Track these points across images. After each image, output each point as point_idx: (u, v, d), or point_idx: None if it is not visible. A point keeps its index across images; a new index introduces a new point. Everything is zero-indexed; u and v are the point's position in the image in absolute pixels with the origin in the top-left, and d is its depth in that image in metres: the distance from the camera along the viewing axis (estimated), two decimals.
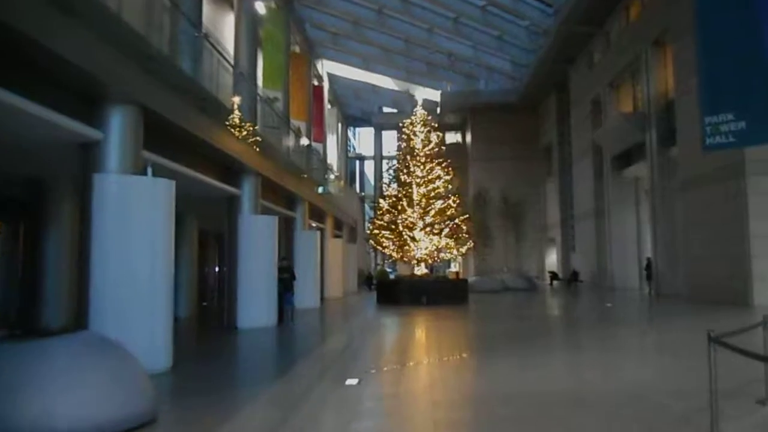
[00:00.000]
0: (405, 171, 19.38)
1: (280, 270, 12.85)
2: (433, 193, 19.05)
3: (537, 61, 32.82)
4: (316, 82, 33.78)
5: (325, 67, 35.31)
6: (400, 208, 18.88)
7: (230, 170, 11.39)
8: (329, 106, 39.12)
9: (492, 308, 17.64)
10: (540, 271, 38.47)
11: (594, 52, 29.93)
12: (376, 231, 19.27)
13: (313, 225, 20.01)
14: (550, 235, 39.30)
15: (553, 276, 33.41)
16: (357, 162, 49.18)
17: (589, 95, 30.15)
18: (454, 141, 46.07)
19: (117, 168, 7.86)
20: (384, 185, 20.00)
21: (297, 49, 29.01)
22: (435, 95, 39.81)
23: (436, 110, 38.06)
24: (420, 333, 11.78)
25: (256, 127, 14.48)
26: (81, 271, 7.75)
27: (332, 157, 39.55)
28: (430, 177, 19.12)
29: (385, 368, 7.57)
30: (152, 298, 7.77)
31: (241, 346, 10.23)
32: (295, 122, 27.99)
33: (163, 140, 8.64)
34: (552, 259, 38.85)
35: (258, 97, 19.26)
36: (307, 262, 16.67)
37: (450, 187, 19.40)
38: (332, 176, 35.37)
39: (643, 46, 23.10)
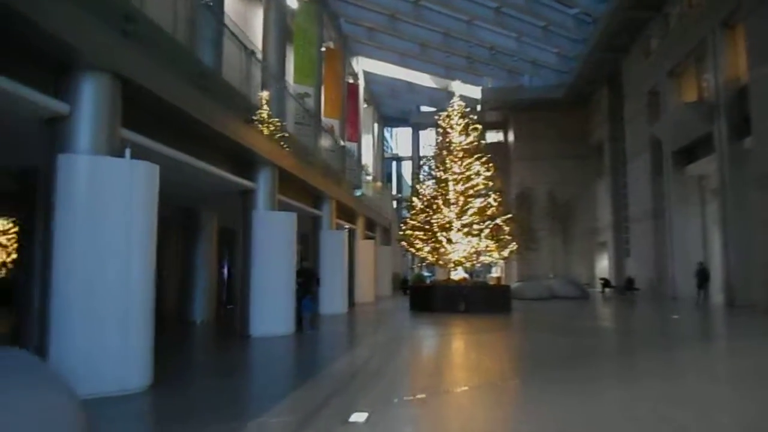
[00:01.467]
0: (441, 167, 17.72)
1: (299, 273, 11.47)
2: (471, 191, 17.29)
3: (586, 51, 30.53)
4: (351, 80, 32.60)
5: (361, 64, 34.06)
6: (435, 207, 17.20)
7: (244, 161, 10.09)
8: (365, 105, 37.87)
9: (539, 318, 15.73)
10: (590, 278, 35.87)
11: (651, 39, 27.44)
12: (409, 231, 17.64)
13: (344, 226, 18.60)
14: (600, 239, 36.65)
15: (605, 283, 30.87)
16: (393, 163, 47.66)
17: (646, 86, 27.68)
18: (496, 140, 43.96)
19: (87, 148, 6.60)
20: (418, 183, 18.34)
21: (331, 44, 27.88)
22: (475, 92, 37.91)
23: (476, 108, 36.13)
24: (454, 348, 10.09)
25: (275, 119, 13.23)
26: (43, 269, 6.40)
27: (367, 158, 38.23)
28: (468, 173, 17.38)
29: (408, 397, 5.98)
30: (126, 303, 6.46)
31: (244, 358, 8.87)
32: (328, 120, 26.92)
33: (156, 122, 7.38)
34: (603, 265, 36.20)
35: (286, 91, 18.09)
36: (334, 265, 15.27)
37: (490, 184, 17.60)
38: (367, 177, 34.10)
39: (709, 27, 20.67)
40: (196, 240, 13.02)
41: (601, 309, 20.63)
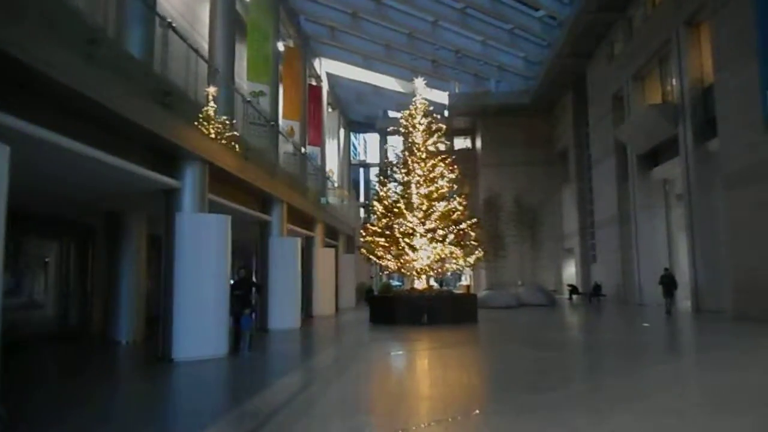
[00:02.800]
0: (403, 169, 16.75)
1: (236, 284, 10.25)
2: (435, 194, 16.35)
3: (552, 56, 30.21)
4: (314, 82, 31.50)
5: (324, 66, 33.00)
6: (397, 211, 16.18)
7: (165, 155, 8.84)
8: (329, 110, 36.79)
9: (506, 329, 14.82)
10: (557, 284, 35.46)
11: (615, 43, 27.25)
12: (369, 238, 16.54)
13: (299, 232, 17.40)
14: (567, 245, 36.32)
15: (573, 290, 30.43)
16: (361, 169, 46.59)
17: (610, 90, 27.43)
18: (464, 147, 43.46)
19: None
20: (378, 186, 17.30)
21: (290, 43, 26.76)
22: (442, 97, 37.27)
23: (443, 113, 35.42)
24: (409, 370, 8.96)
25: (223, 118, 12.06)
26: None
27: (332, 164, 37.09)
28: (432, 175, 16.45)
29: None
30: None
31: (145, 391, 7.40)
32: (287, 122, 25.73)
33: (31, 97, 6.06)
34: (570, 272, 35.86)
35: (233, 88, 16.85)
36: (285, 275, 14.05)
37: (455, 187, 16.71)
38: (331, 183, 32.98)
39: (673, 27, 20.39)
40: (120, 249, 11.63)
41: (569, 318, 19.94)
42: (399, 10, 27.70)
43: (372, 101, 40.89)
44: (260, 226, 14.25)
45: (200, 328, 9.03)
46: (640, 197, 24.74)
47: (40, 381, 7.92)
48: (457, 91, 38.20)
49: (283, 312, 13.97)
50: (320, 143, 31.06)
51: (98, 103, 6.34)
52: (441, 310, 15.39)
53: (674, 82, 21.16)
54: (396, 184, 16.90)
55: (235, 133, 13.01)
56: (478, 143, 40.94)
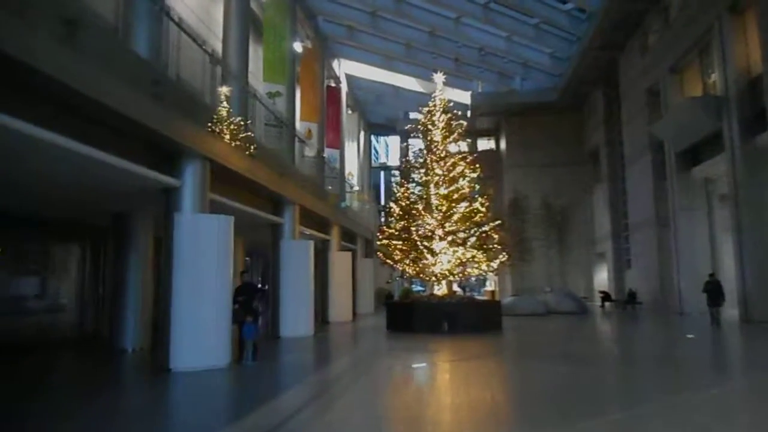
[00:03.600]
0: (422, 169, 15.72)
1: (239, 290, 9.40)
2: (456, 195, 15.26)
3: (580, 50, 28.80)
4: (333, 84, 30.80)
5: (343, 67, 32.25)
6: (415, 213, 15.15)
7: (163, 152, 8.08)
8: (349, 111, 36.05)
9: (534, 340, 13.55)
10: (588, 291, 33.80)
11: (649, 34, 25.73)
12: (386, 241, 15.55)
13: (310, 234, 16.53)
14: (599, 249, 34.64)
15: (605, 297, 28.84)
16: (382, 172, 45.66)
17: (644, 85, 25.91)
18: (487, 148, 42.17)
19: None
20: (396, 186, 16.29)
21: (308, 44, 26.08)
22: (465, 97, 36.11)
23: (466, 114, 34.26)
24: (422, 389, 7.77)
25: (237, 118, 11.32)
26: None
27: (352, 166, 36.31)
28: (452, 175, 15.37)
29: None
30: None
31: (125, 407, 6.57)
32: (304, 123, 25.05)
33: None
34: (602, 277, 34.15)
35: (246, 88, 16.15)
36: (297, 279, 13.17)
37: (477, 187, 15.61)
38: (351, 185, 32.21)
39: (715, 14, 18.92)
40: (126, 252, 10.92)
41: (603, 327, 18.55)
42: (419, 8, 26.73)
43: (392, 103, 39.99)
44: (272, 229, 13.41)
45: (200, 336, 8.23)
46: (680, 198, 23.13)
47: (24, 391, 7.21)
48: (480, 90, 36.98)
49: (295, 318, 13.09)
50: (339, 146, 30.30)
51: (79, 92, 5.55)
52: (462, 318, 14.29)
53: (717, 73, 19.66)
54: (414, 184, 15.86)
55: (250, 133, 12.31)
56: (503, 144, 39.64)
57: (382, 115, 42.01)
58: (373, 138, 46.17)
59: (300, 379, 8.49)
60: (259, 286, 10.99)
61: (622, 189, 31.01)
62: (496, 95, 36.40)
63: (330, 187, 26.38)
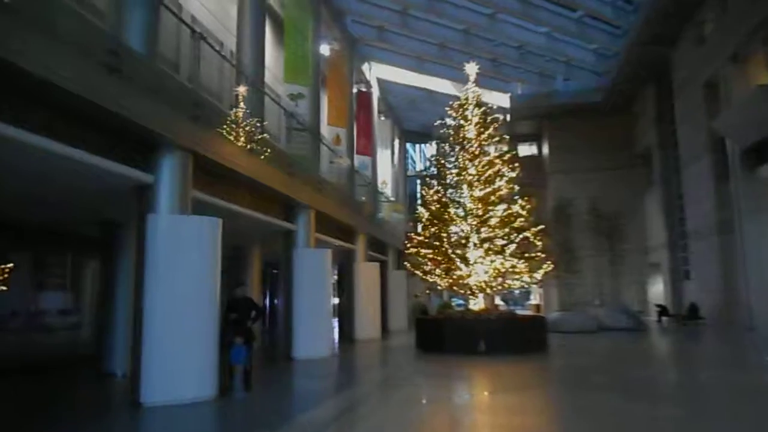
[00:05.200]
0: (453, 169, 14.17)
1: (232, 305, 8.07)
2: (492, 197, 13.61)
3: (628, 44, 26.67)
4: (363, 88, 29.66)
5: (374, 71, 31.09)
6: (447, 217, 13.58)
7: (135, 142, 6.86)
8: (382, 118, 34.86)
9: (591, 363, 11.49)
10: (642, 305, 31.13)
11: (704, 23, 23.46)
12: (414, 250, 14.01)
13: (335, 243, 15.17)
14: (652, 259, 31.98)
15: (662, 311, 26.31)
16: (418, 181, 44.13)
17: (701, 78, 23.60)
18: (529, 153, 40.06)
19: None
20: (424, 189, 14.77)
21: (336, 46, 25.04)
22: (504, 100, 34.29)
23: (505, 118, 32.44)
24: None
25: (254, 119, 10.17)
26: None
27: (386, 174, 34.98)
28: (487, 174, 13.74)
29: None
30: None
31: None
32: (333, 129, 23.99)
33: None
34: (656, 290, 31.46)
35: (258, 87, 15.08)
36: (312, 292, 11.79)
37: (516, 188, 13.92)
38: (383, 193, 30.90)
39: None
40: (116, 264, 9.78)
41: (666, 347, 16.35)
42: (453, 4, 25.32)
43: (427, 108, 38.47)
44: (284, 237, 12.12)
45: (179, 362, 6.87)
46: (746, 201, 20.69)
47: None
48: (519, 92, 35.10)
49: (310, 337, 11.70)
50: (371, 153, 29.07)
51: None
52: (502, 337, 12.56)
53: None
54: (445, 186, 14.26)
55: (265, 135, 11.17)
56: (545, 149, 37.50)
57: (417, 122, 40.60)
58: (408, 146, 44.80)
59: (290, 417, 6.89)
60: (261, 301, 9.49)
61: (678, 194, 28.51)
62: (536, 97, 34.43)
63: (364, 198, 25.15)
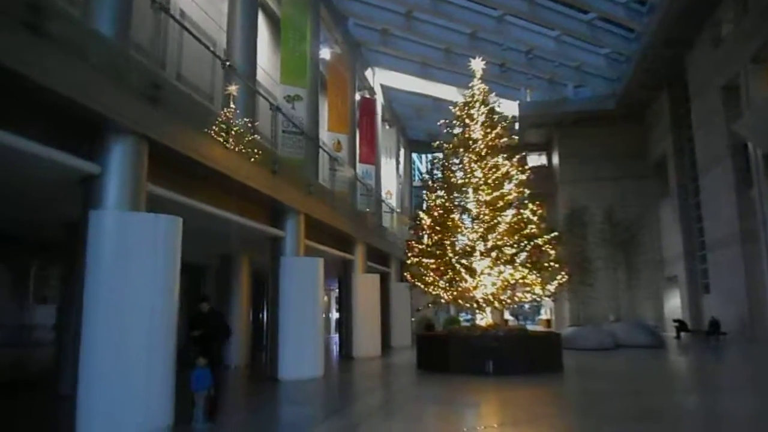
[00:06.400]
0: (458, 171, 13.07)
1: (195, 321, 6.97)
2: (500, 202, 12.47)
3: (642, 47, 25.64)
4: (367, 95, 28.74)
5: (378, 77, 30.17)
6: (450, 224, 12.44)
7: (75, 124, 5.80)
8: (386, 126, 33.87)
9: (614, 388, 10.06)
10: (657, 320, 29.66)
11: (722, 24, 22.40)
12: (415, 259, 12.86)
13: (330, 252, 14.07)
14: (669, 272, 30.59)
15: (680, 326, 24.91)
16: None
17: (719, 81, 22.50)
18: (538, 164, 38.90)
19: None
20: (426, 193, 13.67)
21: (337, 49, 24.17)
22: (512, 107, 33.20)
23: (514, 127, 31.36)
24: None
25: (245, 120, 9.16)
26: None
27: (391, 185, 33.90)
28: (494, 178, 12.62)
29: None
30: None
31: None
32: (333, 134, 23.01)
33: None
34: (673, 304, 30.02)
35: (246, 84, 14.11)
36: (301, 305, 10.66)
37: (526, 192, 12.77)
38: (389, 206, 29.86)
39: None
40: (75, 271, 8.67)
41: (691, 366, 15.01)
42: (458, 5, 24.43)
43: (433, 117, 37.47)
44: (271, 244, 11.04)
45: (122, 385, 5.74)
46: None
47: None
48: (528, 99, 34.05)
49: (299, 356, 10.54)
50: (374, 161, 28.08)
51: None
52: (512, 355, 11.35)
53: None
54: (449, 190, 13.12)
55: (256, 136, 10.15)
56: (555, 158, 36.34)
57: (423, 131, 39.62)
58: (414, 156, 43.80)
59: None
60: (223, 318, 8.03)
61: (695, 203, 27.24)
62: (546, 104, 33.37)
63: (368, 210, 24.12)
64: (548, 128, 35.23)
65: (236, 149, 8.75)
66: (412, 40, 27.24)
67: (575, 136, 33.90)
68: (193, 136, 7.34)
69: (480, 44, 27.49)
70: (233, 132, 8.27)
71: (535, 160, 39.35)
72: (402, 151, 38.74)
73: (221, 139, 8.32)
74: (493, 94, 14.21)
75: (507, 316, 16.24)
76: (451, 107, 14.14)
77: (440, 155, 13.82)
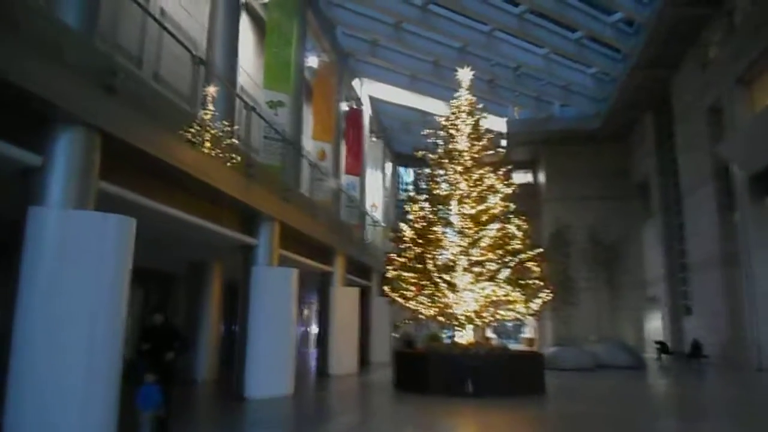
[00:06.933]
0: (442, 183, 12.68)
1: (147, 334, 6.39)
2: (484, 216, 12.08)
3: (627, 69, 25.73)
4: (354, 106, 28.42)
5: (366, 89, 29.90)
6: (432, 237, 12.01)
7: (12, 112, 5.25)
8: (373, 139, 33.56)
9: (601, 412, 9.60)
10: (638, 341, 29.41)
11: (709, 46, 22.53)
12: (395, 273, 12.38)
13: (307, 264, 13.54)
14: (650, 293, 30.46)
15: (662, 348, 24.65)
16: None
17: (705, 103, 22.56)
18: (524, 182, 38.80)
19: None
20: (407, 204, 13.26)
21: (324, 57, 23.85)
22: (500, 124, 33.11)
23: (501, 143, 31.21)
24: None
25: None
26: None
27: (376, 198, 33.49)
28: (479, 190, 12.25)
29: None
30: None
31: None
32: (318, 144, 22.60)
33: None
34: (654, 325, 29.85)
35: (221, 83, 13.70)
36: (272, 319, 10.09)
37: (511, 206, 12.42)
38: (374, 219, 29.44)
39: None
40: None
41: (675, 389, 14.66)
42: (448, 18, 24.30)
43: (421, 131, 37.31)
44: (243, 253, 10.48)
45: (56, 404, 5.14)
46: (754, 231, 19.38)
47: None
48: (516, 116, 34.04)
49: (269, 372, 9.95)
50: (360, 173, 27.68)
51: None
52: (492, 376, 10.88)
53: None
54: (432, 201, 12.71)
55: (234, 140, 9.65)
56: (541, 177, 36.27)
57: (410, 145, 39.35)
58: (402, 170, 43.47)
59: None
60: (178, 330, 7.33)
61: (678, 224, 27.23)
62: (533, 122, 33.39)
63: (352, 222, 23.65)
64: (534, 146, 35.20)
65: (206, 150, 8.25)
66: (401, 52, 27.07)
67: (561, 155, 33.91)
68: (156, 132, 6.82)
69: (469, 58, 27.29)
70: (205, 132, 7.78)
71: (521, 177, 39.31)
72: (389, 165, 38.43)
73: (190, 138, 7.82)
74: (480, 105, 13.77)
75: (490, 334, 15.75)
76: (438, 118, 13.75)
77: (426, 167, 13.40)
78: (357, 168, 27.32)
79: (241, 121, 14.67)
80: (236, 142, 10.59)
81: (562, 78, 29.07)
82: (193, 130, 7.68)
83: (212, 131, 9.00)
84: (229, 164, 8.76)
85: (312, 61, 23.17)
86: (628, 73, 25.96)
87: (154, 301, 14.81)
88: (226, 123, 10.21)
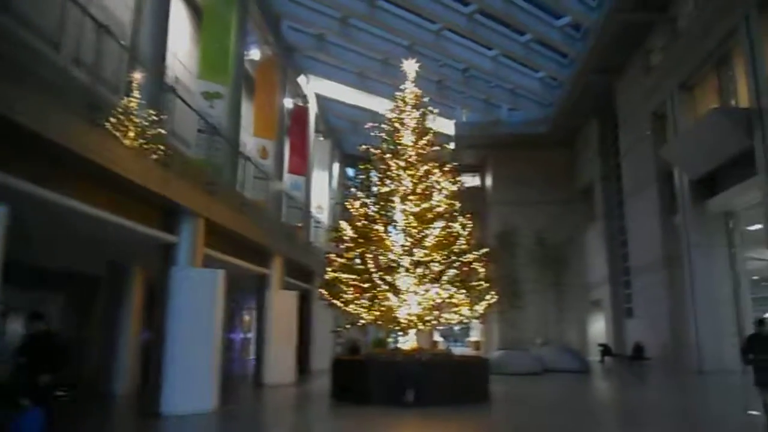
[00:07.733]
0: (384, 178, 11.96)
1: (23, 346, 5.34)
2: (429, 214, 11.44)
3: (574, 74, 25.93)
4: (300, 103, 27.40)
5: (312, 86, 28.93)
6: (373, 236, 11.25)
7: None
8: (321, 138, 32.58)
9: (551, 422, 8.93)
10: (581, 344, 29.70)
11: (652, 52, 22.94)
12: (333, 275, 11.54)
13: (238, 265, 12.48)
14: (594, 296, 30.85)
15: (605, 350, 24.88)
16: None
17: (648, 108, 22.90)
18: (472, 185, 38.78)
19: None
20: (348, 201, 12.47)
21: (267, 50, 22.77)
22: (448, 126, 32.84)
23: (449, 145, 30.90)
24: None
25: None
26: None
27: (322, 199, 32.52)
28: (424, 187, 11.60)
29: None
30: None
31: None
32: (259, 140, 21.49)
33: None
34: (597, 328, 30.24)
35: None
36: (193, 325, 9.04)
37: (457, 204, 11.83)
38: (317, 217, 28.47)
39: (741, 14, 15.95)
40: None
41: (624, 394, 14.42)
42: (396, 15, 23.72)
43: (370, 131, 36.62)
44: (162, 251, 9.38)
45: None
46: (696, 235, 19.70)
47: None
48: (464, 119, 33.90)
49: (188, 385, 8.88)
50: (305, 173, 26.67)
51: None
52: (435, 383, 10.19)
53: (741, 83, 16.60)
54: (374, 198, 11.98)
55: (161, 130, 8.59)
56: (488, 180, 36.28)
57: (359, 145, 38.61)
58: (350, 171, 42.64)
59: None
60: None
61: (620, 228, 27.63)
62: (481, 125, 33.29)
63: (300, 224, 22.62)
64: (482, 150, 35.13)
65: (114, 133, 7.19)
66: (348, 48, 26.28)
67: (508, 159, 33.98)
68: (50, 110, 5.76)
69: (417, 57, 26.89)
70: (113, 113, 6.74)
71: (469, 181, 39.29)
72: (336, 165, 37.51)
73: (93, 119, 6.76)
74: (426, 98, 13.16)
75: (438, 337, 15.15)
76: (384, 111, 13.05)
77: (369, 163, 12.64)
78: (302, 167, 26.31)
79: (174, 111, 13.44)
80: (162, 132, 9.54)
81: (511, 81, 29.06)
82: (95, 107, 6.61)
83: (130, 117, 7.98)
84: (134, 145, 7.72)
85: (254, 53, 22.07)
86: (574, 78, 26.17)
87: (86, 308, 13.48)
88: (152, 112, 9.18)
